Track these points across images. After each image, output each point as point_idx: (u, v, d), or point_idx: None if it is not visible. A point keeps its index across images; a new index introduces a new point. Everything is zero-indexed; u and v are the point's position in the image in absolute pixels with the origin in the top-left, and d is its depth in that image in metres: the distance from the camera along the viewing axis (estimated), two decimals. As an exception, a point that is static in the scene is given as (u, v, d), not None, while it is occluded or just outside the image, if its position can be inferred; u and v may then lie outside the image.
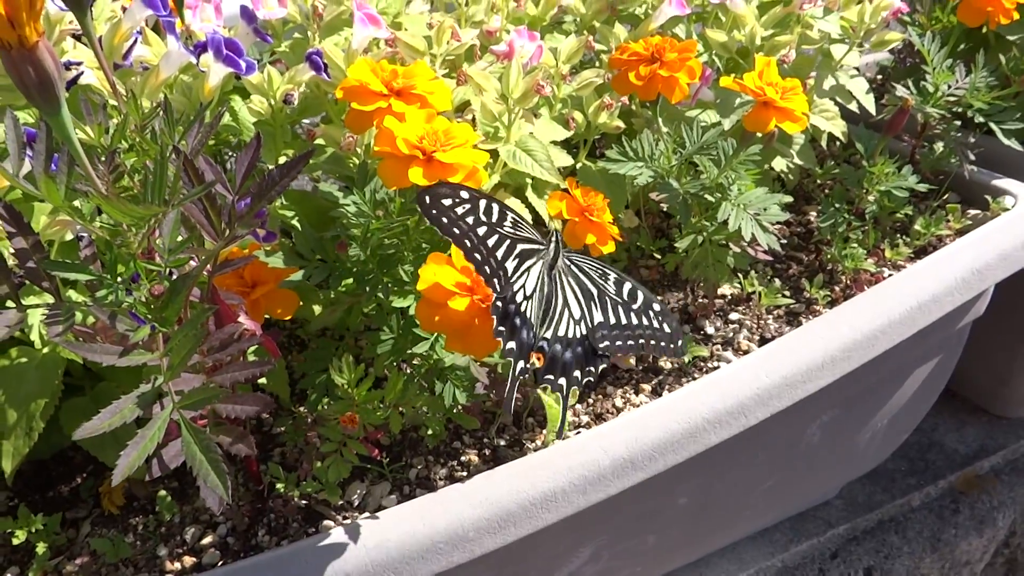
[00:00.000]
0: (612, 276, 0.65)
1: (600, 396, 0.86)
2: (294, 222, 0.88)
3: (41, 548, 0.76)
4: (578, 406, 0.85)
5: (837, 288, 0.97)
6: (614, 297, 0.64)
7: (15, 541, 0.76)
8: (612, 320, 0.63)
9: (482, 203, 0.60)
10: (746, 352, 0.90)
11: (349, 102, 0.69)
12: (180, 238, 0.59)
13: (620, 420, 0.80)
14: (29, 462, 0.86)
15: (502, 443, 0.82)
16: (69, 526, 0.82)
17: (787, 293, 0.96)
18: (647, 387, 0.86)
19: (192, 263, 0.61)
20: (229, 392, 0.53)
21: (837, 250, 0.96)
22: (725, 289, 0.98)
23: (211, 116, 0.81)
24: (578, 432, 0.82)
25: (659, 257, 1.01)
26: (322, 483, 0.74)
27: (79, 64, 0.71)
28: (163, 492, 0.81)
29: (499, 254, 0.60)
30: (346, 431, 0.66)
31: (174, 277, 0.56)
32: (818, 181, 1.15)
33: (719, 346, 0.91)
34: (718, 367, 0.88)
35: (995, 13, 0.96)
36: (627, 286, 0.64)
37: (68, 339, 0.51)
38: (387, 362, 0.74)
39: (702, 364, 0.89)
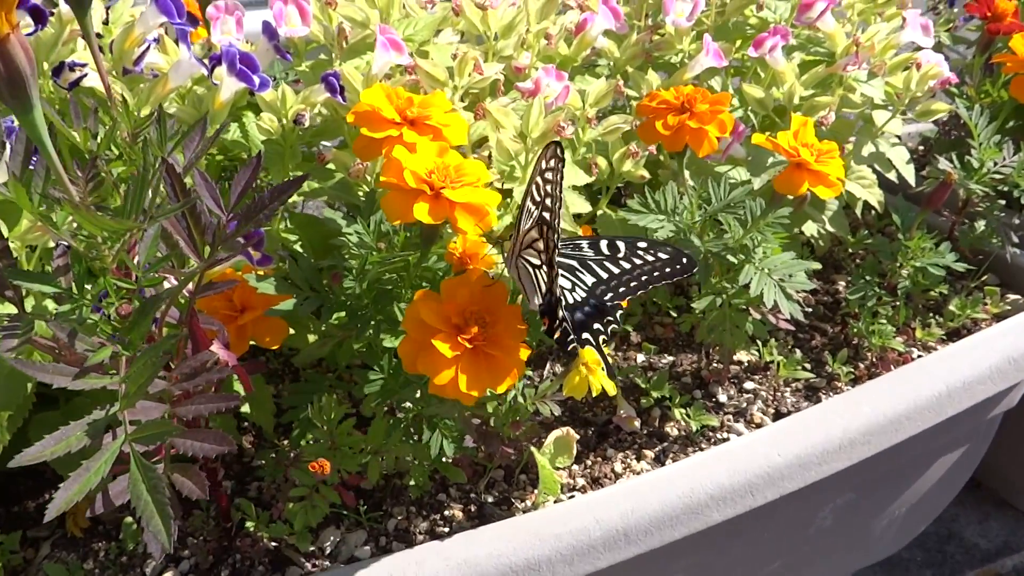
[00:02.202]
0: (584, 243, 0.66)
1: (599, 459, 0.81)
2: (297, 247, 0.85)
3: (-6, 567, 0.72)
4: (575, 467, 0.80)
5: (862, 365, 0.91)
6: (595, 257, 0.65)
7: (-33, 557, 0.72)
8: (604, 275, 0.64)
9: None
10: (759, 425, 0.84)
11: (359, 127, 0.66)
12: (161, 255, 0.55)
13: (617, 488, 0.74)
14: (-4, 473, 0.82)
15: (490, 500, 0.77)
16: (29, 545, 0.78)
17: (808, 366, 0.90)
18: (650, 453, 0.81)
19: (172, 282, 0.57)
20: (184, 428, 0.48)
21: (864, 325, 0.90)
22: (742, 356, 0.93)
23: (215, 130, 0.79)
24: (571, 496, 0.77)
25: (675, 315, 0.96)
26: (293, 527, 0.69)
27: (84, 66, 0.68)
28: (129, 519, 0.77)
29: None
30: (317, 477, 0.61)
31: (148, 297, 0.52)
32: (849, 250, 1.10)
33: (731, 416, 0.85)
34: (728, 439, 0.83)
35: (1050, 91, 0.92)
36: (603, 242, 0.65)
37: (19, 356, 0.47)
38: (375, 403, 0.70)
39: (711, 434, 0.83)
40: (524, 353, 0.59)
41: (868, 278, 0.92)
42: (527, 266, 0.59)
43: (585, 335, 0.62)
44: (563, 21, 0.95)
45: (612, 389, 0.71)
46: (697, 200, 0.80)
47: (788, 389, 0.89)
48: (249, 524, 0.73)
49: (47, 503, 0.83)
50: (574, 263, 0.64)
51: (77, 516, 0.78)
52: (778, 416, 0.85)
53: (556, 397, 0.74)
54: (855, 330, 0.93)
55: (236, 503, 0.76)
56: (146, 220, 0.49)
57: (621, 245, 0.64)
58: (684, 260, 0.63)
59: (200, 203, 0.56)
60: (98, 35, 0.72)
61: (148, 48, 0.73)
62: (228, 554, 0.73)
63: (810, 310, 1.03)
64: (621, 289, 0.63)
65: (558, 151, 0.55)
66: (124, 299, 0.52)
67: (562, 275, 0.63)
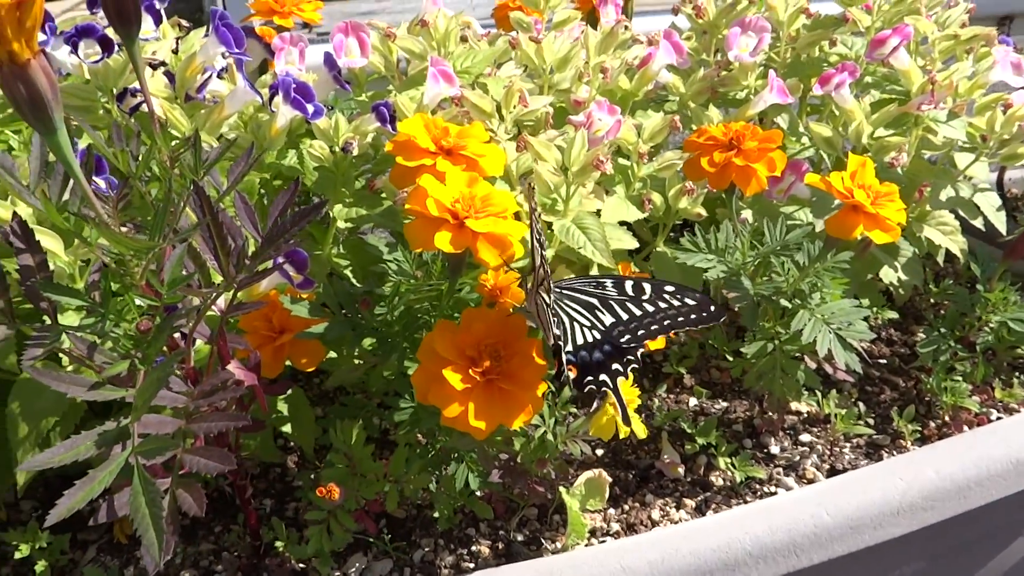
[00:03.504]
0: (608, 281, 0.64)
1: (637, 504, 0.78)
2: (347, 271, 0.86)
3: (41, 566, 0.75)
4: (611, 511, 0.78)
5: (932, 424, 0.85)
6: (618, 298, 0.63)
7: (18, 555, 0.75)
8: (625, 316, 0.62)
9: None
10: (811, 481, 0.79)
11: (396, 156, 0.66)
12: (187, 273, 0.57)
13: (649, 536, 0.71)
14: (59, 475, 0.86)
15: (519, 538, 0.75)
16: (78, 547, 0.81)
17: (871, 421, 0.85)
18: (691, 503, 0.78)
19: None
20: (192, 445, 0.49)
21: (937, 381, 0.84)
22: (801, 406, 0.88)
23: (275, 156, 0.81)
24: (603, 541, 0.74)
25: (731, 359, 0.92)
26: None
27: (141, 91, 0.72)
28: (167, 529, 0.78)
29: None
30: (328, 501, 0.61)
31: (168, 314, 0.54)
32: (932, 300, 1.03)
33: (781, 469, 0.81)
34: (775, 493, 0.78)
35: None
36: (628, 283, 0.64)
37: (36, 365, 0.49)
38: (404, 431, 0.70)
39: (757, 487, 0.79)
40: (542, 388, 0.58)
41: (943, 331, 0.86)
42: (542, 303, 0.58)
43: (602, 376, 0.60)
44: (627, 56, 0.94)
45: (642, 432, 0.68)
46: (750, 240, 0.77)
47: (848, 445, 0.83)
48: (279, 544, 0.74)
49: (98, 507, 0.87)
50: (595, 301, 0.62)
51: (123, 523, 0.80)
52: (833, 473, 0.80)
53: (590, 437, 0.72)
54: (927, 386, 0.86)
55: (269, 522, 0.77)
56: (166, 240, 0.51)
57: (647, 287, 0.63)
58: (711, 308, 0.61)
59: (230, 224, 0.58)
60: (163, 63, 0.76)
61: (210, 76, 0.77)
62: (256, 572, 0.74)
63: (884, 362, 0.97)
64: (640, 332, 0.61)
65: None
66: (146, 315, 0.53)
67: (581, 313, 0.62)
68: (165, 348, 0.59)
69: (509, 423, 0.57)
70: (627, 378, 0.62)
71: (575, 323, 0.62)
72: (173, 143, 0.59)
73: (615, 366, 0.61)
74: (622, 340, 0.61)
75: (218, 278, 0.57)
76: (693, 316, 0.61)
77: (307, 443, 0.82)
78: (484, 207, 0.60)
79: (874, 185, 0.68)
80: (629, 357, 0.61)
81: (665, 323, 0.61)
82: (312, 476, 0.81)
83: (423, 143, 0.65)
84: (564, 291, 0.63)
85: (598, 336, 0.61)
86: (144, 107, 0.72)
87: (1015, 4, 1.45)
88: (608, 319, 0.61)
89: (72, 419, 0.73)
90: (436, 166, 0.64)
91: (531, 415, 0.58)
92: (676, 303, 0.61)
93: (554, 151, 0.71)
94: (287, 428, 0.82)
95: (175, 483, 0.51)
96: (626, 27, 0.89)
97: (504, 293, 0.66)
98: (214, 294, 0.55)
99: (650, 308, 0.61)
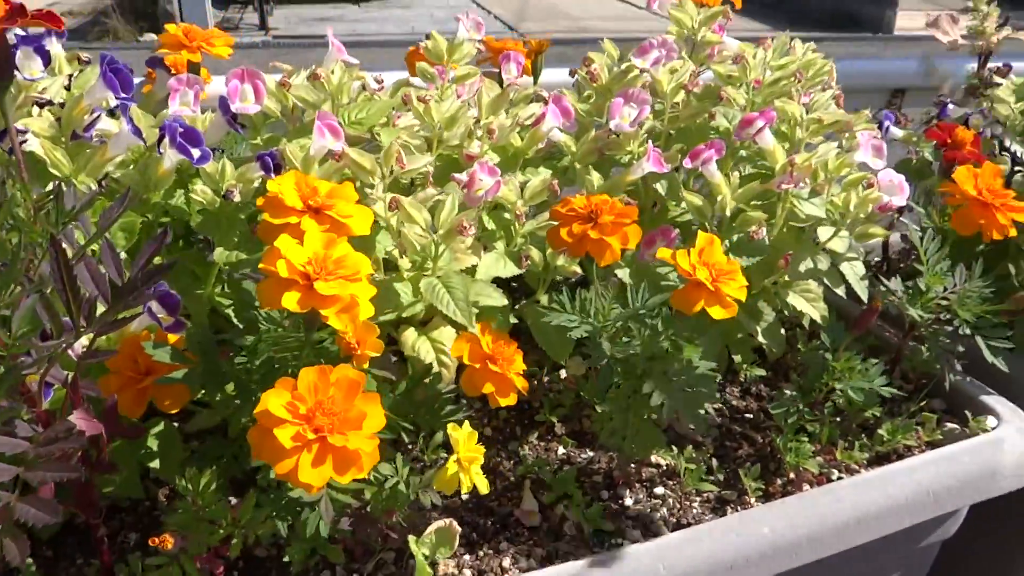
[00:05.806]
0: None
1: (491, 551, 0.81)
2: (229, 311, 0.88)
3: None
4: (466, 557, 0.81)
5: (779, 481, 0.90)
6: None
7: None
8: None
9: None
10: (656, 534, 0.83)
11: (264, 212, 0.69)
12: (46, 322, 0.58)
13: (493, 585, 0.75)
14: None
15: (374, 581, 0.78)
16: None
17: (722, 476, 0.90)
18: (541, 552, 0.81)
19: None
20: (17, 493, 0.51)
21: (783, 442, 0.90)
22: (661, 459, 0.92)
23: (162, 195, 0.83)
24: (453, 586, 0.77)
25: (598, 411, 0.96)
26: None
27: (25, 132, 0.73)
28: (29, 560, 0.79)
29: None
30: (163, 549, 0.63)
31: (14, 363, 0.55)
32: (800, 360, 1.09)
33: (631, 521, 0.85)
34: (622, 544, 0.82)
35: (988, 227, 0.91)
36: None
37: None
38: (262, 476, 0.72)
39: (606, 539, 0.83)
40: (371, 445, 0.60)
41: (795, 393, 0.92)
42: None
43: None
44: (522, 114, 0.98)
45: (484, 487, 0.72)
46: (611, 301, 0.81)
47: (698, 499, 0.88)
48: (129, 582, 0.75)
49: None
50: None
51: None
52: (679, 526, 0.84)
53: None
54: (779, 445, 0.92)
55: (129, 557, 0.78)
56: (22, 289, 0.53)
57: None
58: None
59: (95, 271, 0.60)
60: (50, 102, 0.77)
61: (98, 116, 0.78)
62: (110, 608, 0.75)
63: (751, 416, 1.02)
64: None
65: None
66: (-10, 364, 0.55)
67: None
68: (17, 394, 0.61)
69: (342, 478, 0.59)
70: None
71: None
72: (39, 192, 0.61)
73: None
74: None
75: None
76: None
77: (135, 493, 0.83)
78: (336, 269, 0.63)
79: (720, 263, 0.73)
80: None
81: None
82: (180, 511, 0.83)
83: (290, 201, 0.68)
84: None
85: None
86: (26, 147, 0.74)
87: (909, 79, 1.54)
88: None
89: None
90: (301, 225, 0.67)
91: (363, 470, 0.60)
92: None
93: (424, 213, 0.75)
94: (155, 464, 0.83)
95: (3, 532, 0.53)
96: (517, 91, 0.93)
97: (362, 345, 0.69)
98: (62, 346, 0.57)
99: None
